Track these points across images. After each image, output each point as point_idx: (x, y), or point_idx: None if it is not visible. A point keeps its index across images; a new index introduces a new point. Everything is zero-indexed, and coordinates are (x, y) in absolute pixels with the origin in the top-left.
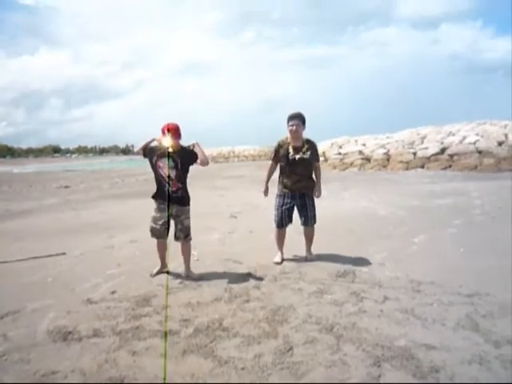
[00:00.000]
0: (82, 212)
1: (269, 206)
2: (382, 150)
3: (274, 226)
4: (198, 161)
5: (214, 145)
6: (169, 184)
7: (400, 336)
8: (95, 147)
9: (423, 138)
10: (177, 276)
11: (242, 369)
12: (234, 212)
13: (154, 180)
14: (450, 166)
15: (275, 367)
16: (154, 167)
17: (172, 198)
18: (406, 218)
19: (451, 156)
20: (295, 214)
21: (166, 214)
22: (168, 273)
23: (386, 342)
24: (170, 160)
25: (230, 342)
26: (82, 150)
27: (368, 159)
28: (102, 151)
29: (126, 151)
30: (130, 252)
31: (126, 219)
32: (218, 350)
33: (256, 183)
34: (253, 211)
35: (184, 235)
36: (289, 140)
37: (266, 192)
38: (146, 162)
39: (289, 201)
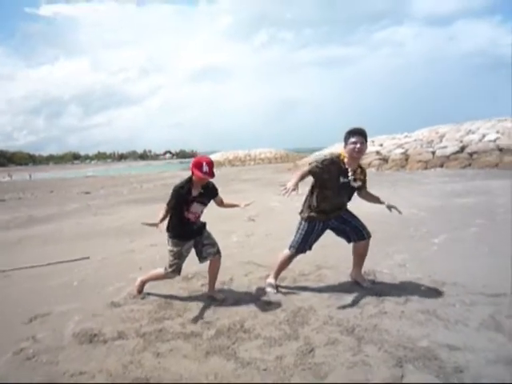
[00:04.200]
0: (102, 217)
1: (285, 209)
2: (400, 150)
3: (286, 250)
4: (218, 201)
5: (230, 148)
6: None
7: (422, 337)
8: (114, 153)
9: (442, 137)
10: (198, 278)
11: (265, 370)
12: (251, 215)
13: (174, 209)
14: (470, 165)
15: (297, 368)
16: (182, 213)
17: (198, 232)
18: (427, 219)
19: (471, 154)
20: (331, 235)
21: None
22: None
23: (408, 343)
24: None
25: (251, 343)
26: (101, 156)
27: (385, 159)
28: (121, 157)
29: (144, 156)
30: (150, 256)
31: None
32: (240, 351)
33: (272, 186)
34: (270, 214)
35: (216, 250)
36: (345, 160)
37: (295, 187)
38: (164, 167)
39: (320, 228)
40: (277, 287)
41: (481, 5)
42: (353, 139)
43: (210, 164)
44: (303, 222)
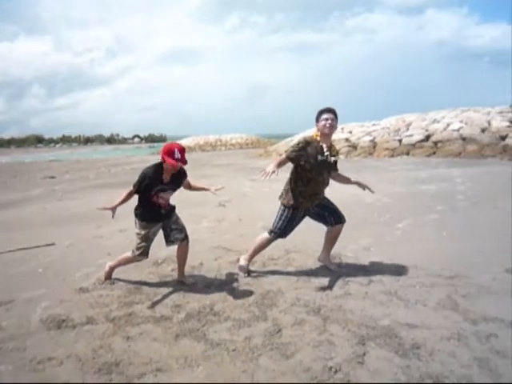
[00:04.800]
0: (68, 202)
1: (256, 195)
2: (368, 138)
3: (265, 234)
4: (185, 184)
5: (201, 133)
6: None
7: (384, 316)
8: (79, 136)
9: (408, 125)
10: (168, 263)
11: (234, 350)
12: (222, 200)
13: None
14: (435, 153)
15: (265, 348)
16: (150, 197)
17: (166, 215)
18: (391, 205)
19: (435, 143)
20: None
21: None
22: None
23: (370, 322)
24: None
25: (221, 325)
26: (66, 140)
27: (354, 147)
28: (87, 140)
29: (111, 140)
30: (119, 241)
31: None
32: (209, 333)
33: (244, 171)
34: (241, 199)
35: (183, 235)
36: (318, 138)
37: (274, 169)
38: (133, 151)
39: (302, 215)
40: (248, 271)
41: None
42: (324, 116)
43: (182, 150)
44: (287, 209)
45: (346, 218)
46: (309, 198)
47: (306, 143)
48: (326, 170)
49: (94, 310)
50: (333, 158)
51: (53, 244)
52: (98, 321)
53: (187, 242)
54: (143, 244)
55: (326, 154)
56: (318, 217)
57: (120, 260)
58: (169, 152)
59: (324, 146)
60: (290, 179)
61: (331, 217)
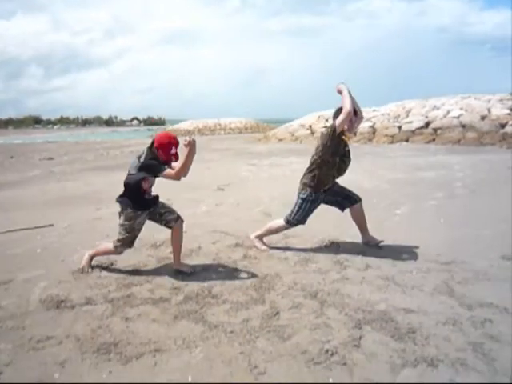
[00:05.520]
0: (67, 184)
1: (255, 179)
2: (368, 124)
3: (281, 221)
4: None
5: (200, 116)
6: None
7: (380, 301)
8: (77, 118)
9: (408, 112)
10: (167, 246)
11: (231, 332)
12: (220, 184)
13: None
14: (434, 140)
15: (262, 330)
16: (140, 183)
17: (153, 201)
18: (390, 191)
19: (435, 130)
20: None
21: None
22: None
23: (367, 307)
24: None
25: (219, 307)
26: (64, 121)
27: (354, 133)
28: (85, 122)
29: (110, 122)
30: (117, 223)
31: (113, 191)
32: (207, 315)
33: (243, 156)
34: (240, 184)
35: (176, 215)
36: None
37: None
38: (131, 134)
39: (319, 202)
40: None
41: None
42: None
43: (177, 145)
44: (310, 198)
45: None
46: (331, 180)
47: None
48: (346, 157)
49: (93, 290)
50: (347, 148)
51: (51, 225)
52: (96, 301)
53: (181, 221)
54: (127, 235)
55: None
56: (333, 203)
57: (99, 250)
58: (166, 147)
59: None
60: (315, 166)
61: (345, 201)
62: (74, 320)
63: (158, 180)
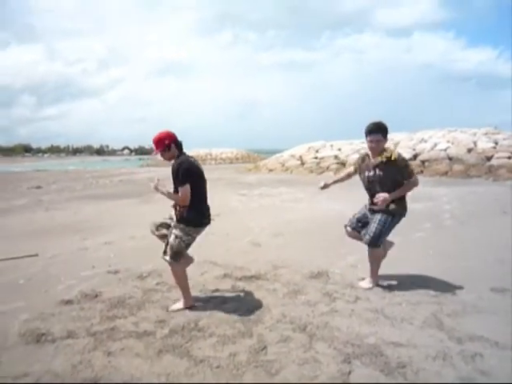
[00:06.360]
0: (54, 213)
1: (245, 208)
2: (357, 155)
3: (375, 248)
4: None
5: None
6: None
7: (370, 334)
8: (68, 147)
9: (396, 144)
10: (153, 277)
11: (217, 367)
12: (212, 214)
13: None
14: (422, 172)
15: (249, 365)
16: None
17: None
18: None
19: (423, 162)
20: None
21: None
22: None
23: (356, 340)
24: None
25: (205, 341)
26: (55, 150)
27: (343, 164)
28: (76, 151)
29: (101, 151)
30: (104, 254)
31: (101, 221)
32: (193, 349)
33: (233, 186)
34: (229, 214)
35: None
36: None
37: (324, 187)
38: (122, 163)
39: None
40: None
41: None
42: (368, 138)
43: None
44: (396, 219)
45: (333, 234)
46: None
47: (361, 159)
48: (377, 183)
49: (75, 323)
50: (371, 174)
51: (36, 255)
52: (78, 335)
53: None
54: (184, 250)
55: (371, 171)
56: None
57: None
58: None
59: (372, 161)
60: (397, 186)
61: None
62: (53, 355)
63: (146, 209)
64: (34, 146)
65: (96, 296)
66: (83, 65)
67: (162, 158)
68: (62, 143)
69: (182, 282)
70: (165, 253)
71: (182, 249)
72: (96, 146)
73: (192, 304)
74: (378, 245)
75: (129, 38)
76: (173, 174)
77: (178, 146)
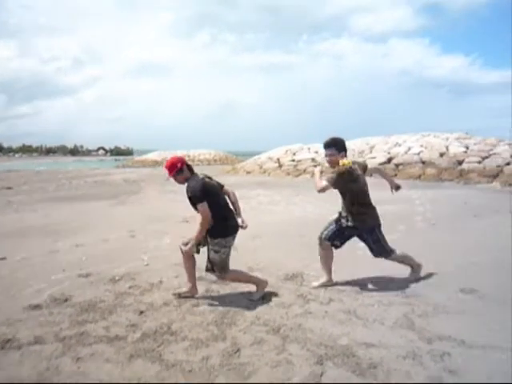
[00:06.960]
0: (25, 215)
1: None
2: None
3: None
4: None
5: (169, 147)
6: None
7: (342, 335)
8: (41, 147)
9: (372, 148)
10: (126, 280)
11: (189, 371)
12: (186, 216)
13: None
14: (396, 175)
15: (222, 369)
16: (218, 202)
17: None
18: None
19: (397, 165)
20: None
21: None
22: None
23: (329, 342)
24: None
25: (178, 345)
26: (27, 150)
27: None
28: (49, 151)
29: (75, 152)
30: (75, 257)
31: (73, 223)
32: (165, 353)
33: None
34: None
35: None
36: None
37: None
38: (97, 164)
39: None
40: None
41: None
42: (325, 152)
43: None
44: (379, 227)
45: (309, 236)
46: None
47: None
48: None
49: (44, 328)
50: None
51: (4, 258)
52: (46, 340)
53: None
54: (227, 261)
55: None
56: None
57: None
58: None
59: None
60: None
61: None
62: (19, 362)
63: (121, 210)
64: (5, 144)
65: (66, 300)
66: (58, 63)
67: (175, 181)
68: (34, 143)
69: (244, 278)
70: (211, 270)
71: (225, 260)
72: (70, 146)
73: (266, 281)
74: (390, 253)
75: (105, 37)
76: (189, 194)
77: (189, 167)
